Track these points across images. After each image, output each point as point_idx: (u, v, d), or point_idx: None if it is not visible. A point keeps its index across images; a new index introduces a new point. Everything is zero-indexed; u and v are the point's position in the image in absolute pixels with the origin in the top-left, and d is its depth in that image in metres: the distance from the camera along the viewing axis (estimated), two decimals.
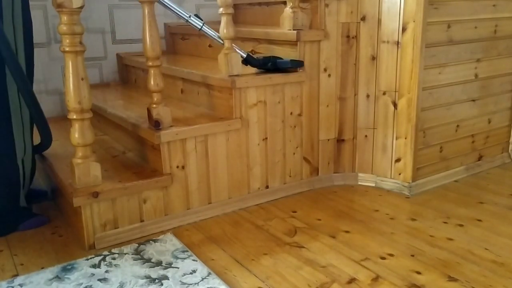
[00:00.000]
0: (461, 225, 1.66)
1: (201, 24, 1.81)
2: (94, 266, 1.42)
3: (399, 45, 1.85)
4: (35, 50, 1.78)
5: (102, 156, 1.87)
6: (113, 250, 1.52)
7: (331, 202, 1.89)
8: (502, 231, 1.62)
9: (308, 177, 2.03)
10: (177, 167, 1.68)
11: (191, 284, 1.32)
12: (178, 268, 1.40)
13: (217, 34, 1.80)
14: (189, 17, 1.79)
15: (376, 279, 1.34)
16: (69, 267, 1.42)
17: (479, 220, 1.70)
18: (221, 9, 1.73)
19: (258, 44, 2.08)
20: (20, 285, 1.33)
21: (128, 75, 2.63)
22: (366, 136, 2.02)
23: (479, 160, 2.22)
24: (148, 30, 1.58)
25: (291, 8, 1.89)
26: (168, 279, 1.34)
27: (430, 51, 1.87)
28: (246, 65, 1.86)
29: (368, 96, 1.98)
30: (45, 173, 1.94)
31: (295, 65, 1.87)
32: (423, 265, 1.41)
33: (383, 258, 1.45)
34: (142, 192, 1.62)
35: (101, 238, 1.56)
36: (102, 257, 1.47)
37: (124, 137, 1.98)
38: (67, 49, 1.42)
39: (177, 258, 1.46)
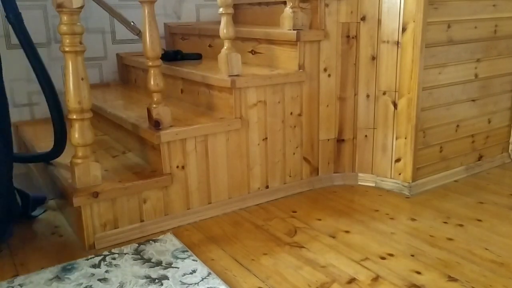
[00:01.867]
0: (461, 225, 1.66)
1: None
2: (94, 266, 1.42)
3: (399, 45, 1.85)
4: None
5: (102, 156, 1.87)
6: (113, 250, 1.52)
7: (331, 202, 1.89)
8: (502, 231, 1.62)
9: (308, 177, 2.03)
10: (177, 167, 1.68)
11: (191, 284, 1.32)
12: (178, 268, 1.40)
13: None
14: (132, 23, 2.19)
15: (376, 279, 1.34)
16: (69, 267, 1.42)
17: (479, 220, 1.70)
18: (221, 9, 1.73)
19: (258, 44, 2.08)
20: (20, 285, 1.33)
21: (128, 75, 2.63)
22: (366, 136, 2.02)
23: (479, 160, 2.22)
24: (148, 30, 1.58)
25: (291, 8, 1.89)
26: (168, 279, 1.34)
27: (430, 51, 1.87)
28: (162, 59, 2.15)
29: (368, 96, 1.98)
30: (45, 173, 1.94)
31: (197, 57, 2.37)
32: (423, 265, 1.41)
33: (383, 258, 1.45)
34: (142, 192, 1.62)
35: (101, 238, 1.56)
36: (102, 257, 1.48)
37: (124, 137, 1.98)
38: (67, 49, 1.42)
39: (177, 258, 1.46)
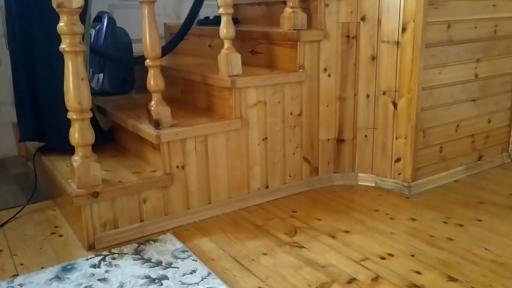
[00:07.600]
0: (461, 225, 1.66)
1: None
2: (94, 266, 1.42)
3: (399, 45, 1.85)
4: None
5: (102, 156, 1.86)
6: (113, 250, 1.52)
7: (331, 202, 1.89)
8: (502, 231, 1.62)
9: (308, 177, 2.03)
10: (177, 167, 1.68)
11: (191, 284, 1.32)
12: (178, 268, 1.40)
13: None
14: None
15: (376, 279, 1.34)
16: (69, 267, 1.42)
17: (479, 220, 1.70)
18: (221, 9, 1.73)
19: (258, 44, 2.08)
20: (20, 285, 1.33)
21: None
22: (366, 136, 2.02)
23: (479, 160, 2.23)
24: (148, 30, 1.58)
25: (291, 8, 1.90)
26: (168, 279, 1.34)
27: (430, 51, 1.87)
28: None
29: (368, 96, 1.98)
30: (45, 173, 1.94)
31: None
32: (423, 265, 1.41)
33: (383, 258, 1.45)
34: (142, 192, 1.62)
35: (101, 238, 1.56)
36: (102, 257, 1.48)
37: (124, 137, 1.98)
38: (67, 49, 1.42)
39: (177, 258, 1.46)
